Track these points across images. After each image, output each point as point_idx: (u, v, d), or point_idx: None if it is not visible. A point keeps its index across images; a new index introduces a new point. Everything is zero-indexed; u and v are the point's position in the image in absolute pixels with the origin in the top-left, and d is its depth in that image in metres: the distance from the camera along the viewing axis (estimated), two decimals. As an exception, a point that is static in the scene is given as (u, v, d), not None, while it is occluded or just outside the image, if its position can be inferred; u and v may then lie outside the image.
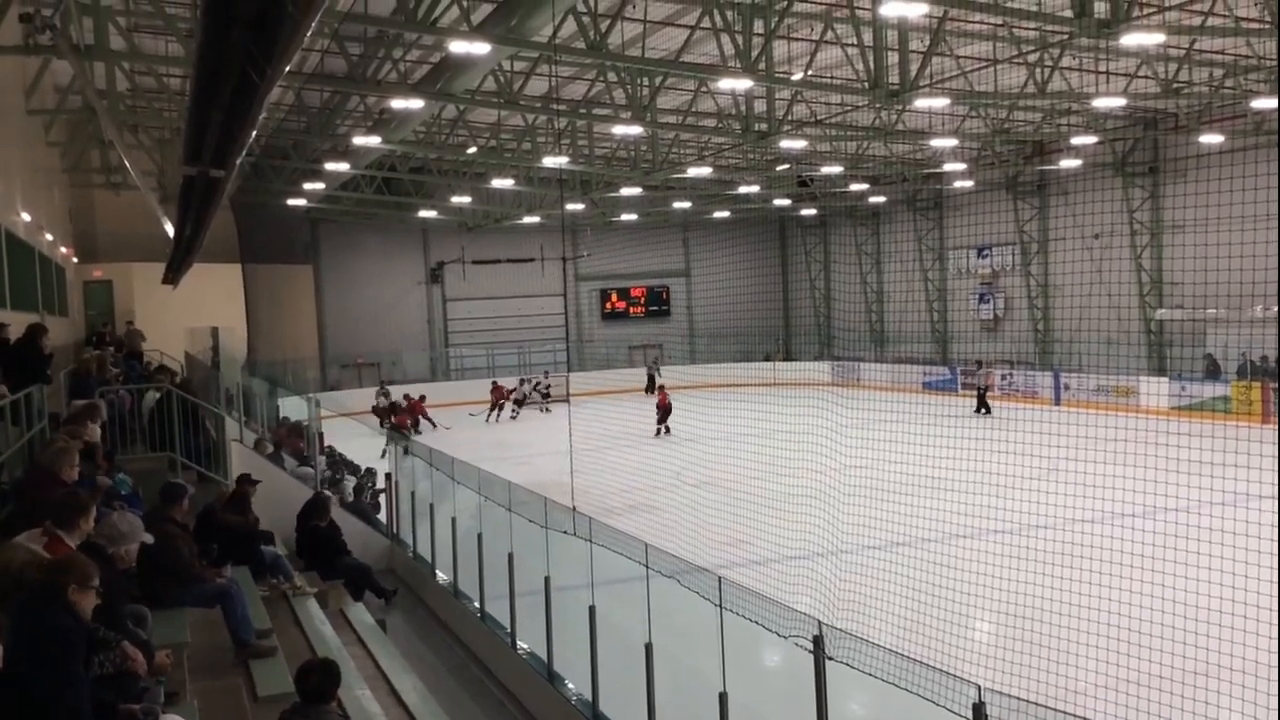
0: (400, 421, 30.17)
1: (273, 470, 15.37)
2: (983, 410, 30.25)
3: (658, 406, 29.83)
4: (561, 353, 41.86)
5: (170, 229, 20.42)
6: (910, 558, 12.72)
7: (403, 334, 42.24)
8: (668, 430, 28.88)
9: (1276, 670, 8.43)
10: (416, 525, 15.06)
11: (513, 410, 35.50)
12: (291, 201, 34.04)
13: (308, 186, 31.53)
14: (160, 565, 7.91)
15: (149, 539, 6.98)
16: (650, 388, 38.68)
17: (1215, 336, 28.53)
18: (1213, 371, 28.39)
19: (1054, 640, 9.19)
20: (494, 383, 36.96)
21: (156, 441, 13.01)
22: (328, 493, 14.20)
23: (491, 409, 35.40)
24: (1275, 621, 8.95)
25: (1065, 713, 4.42)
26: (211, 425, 14.24)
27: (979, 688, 4.74)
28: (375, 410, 32.84)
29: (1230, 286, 22.78)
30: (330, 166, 28.05)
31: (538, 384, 37.22)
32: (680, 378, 38.16)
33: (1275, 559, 10.05)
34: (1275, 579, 9.54)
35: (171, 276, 27.68)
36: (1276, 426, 24.01)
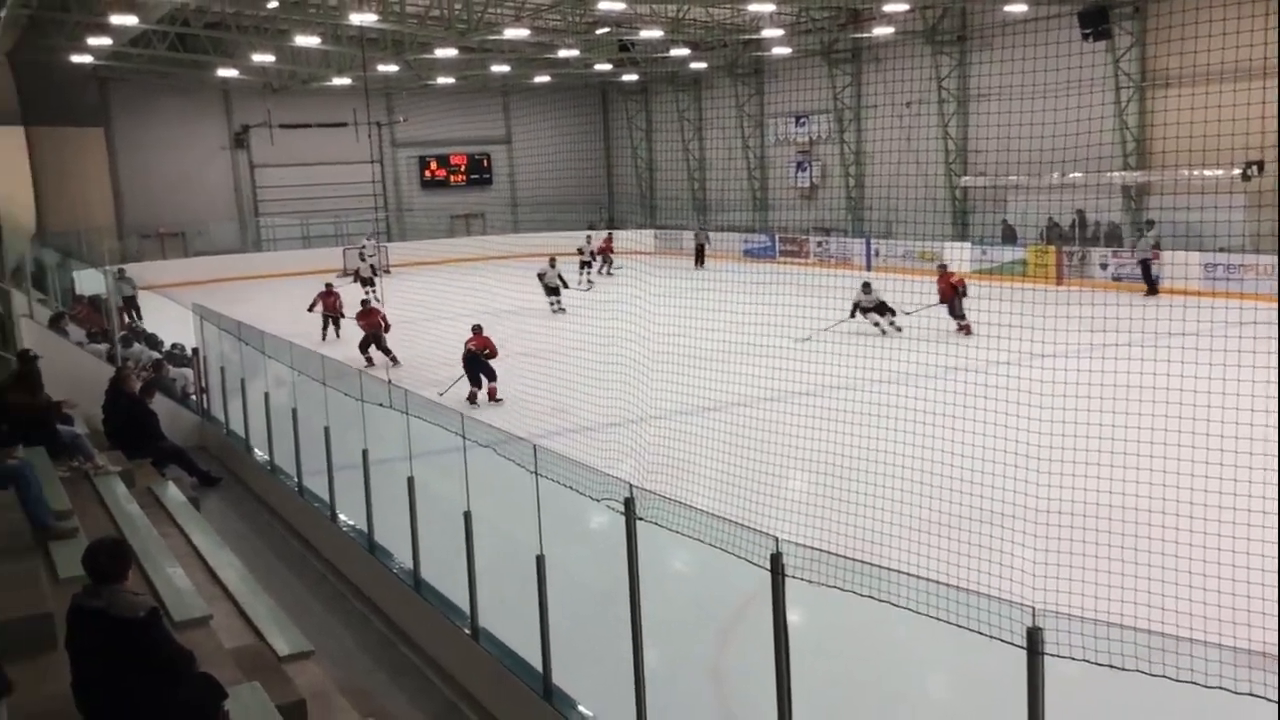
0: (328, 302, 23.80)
1: (69, 348, 14.64)
2: (1152, 292, 24.56)
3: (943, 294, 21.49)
4: (381, 223, 40.72)
5: (-63, 87, 18.70)
6: (721, 422, 13.15)
7: (208, 203, 40.15)
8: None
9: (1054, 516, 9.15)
10: (228, 402, 14.65)
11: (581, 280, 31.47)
12: (76, 58, 31.50)
13: (92, 42, 29.16)
14: (-58, 449, 7.49)
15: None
16: (700, 259, 36.47)
17: (1015, 203, 29.97)
18: (1009, 237, 29.91)
19: (853, 494, 9.72)
20: (609, 235, 36.17)
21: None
22: (129, 365, 13.59)
23: (603, 261, 34.05)
24: (1045, 470, 9.71)
25: (855, 559, 4.70)
26: (-4, 301, 13.38)
27: (776, 540, 4.98)
28: (358, 275, 29.62)
29: (1030, 154, 23.86)
30: (116, 20, 25.97)
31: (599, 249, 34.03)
32: (502, 247, 37.82)
33: (1036, 413, 10.84)
34: (1036, 430, 10.30)
35: (-57, 140, 25.46)
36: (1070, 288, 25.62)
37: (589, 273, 32.06)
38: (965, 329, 20.45)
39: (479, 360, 17.02)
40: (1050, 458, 9.94)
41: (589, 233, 36.18)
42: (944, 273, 22.02)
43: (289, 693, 6.31)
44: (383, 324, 20.54)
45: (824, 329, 18.16)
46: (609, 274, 33.41)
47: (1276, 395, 3.90)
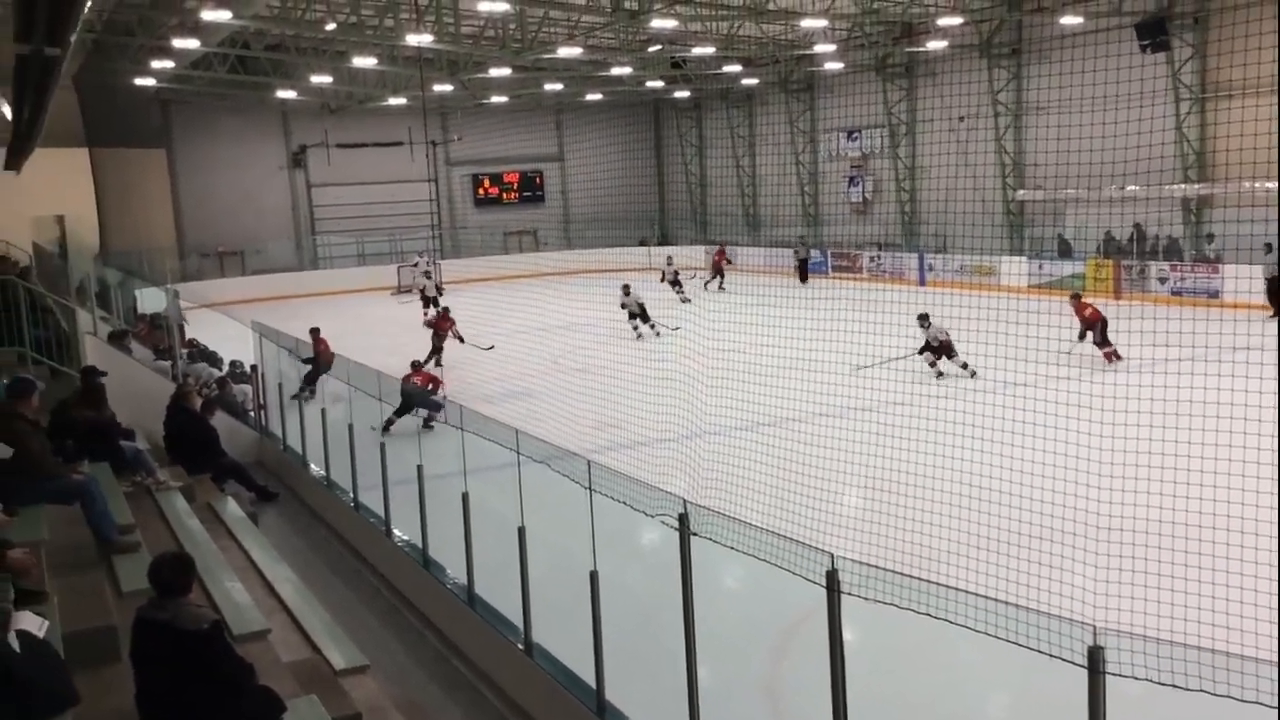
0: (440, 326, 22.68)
1: (131, 364, 14.92)
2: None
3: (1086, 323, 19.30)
4: (435, 240, 41.10)
5: (8, 111, 19.21)
6: (775, 437, 13.08)
7: (266, 222, 40.77)
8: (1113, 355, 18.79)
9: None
10: (286, 418, 14.85)
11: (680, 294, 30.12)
12: (139, 81, 32.22)
13: (156, 65, 29.82)
14: (11, 462, 7.66)
15: (4, 452, 6.72)
16: (804, 275, 35.26)
17: (1073, 216, 29.58)
18: (1065, 251, 29.53)
19: (909, 510, 9.62)
20: (721, 248, 35.62)
21: (3, 336, 12.43)
22: (190, 382, 13.83)
23: (715, 275, 33.85)
24: (1105, 487, 9.55)
25: (912, 576, 4.66)
26: (62, 318, 13.66)
27: (832, 556, 4.94)
28: (423, 294, 29.34)
29: (1087, 167, 23.58)
30: (178, 43, 26.53)
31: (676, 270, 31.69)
32: (555, 264, 38.05)
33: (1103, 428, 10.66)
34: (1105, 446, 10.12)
35: (13, 162, 26.13)
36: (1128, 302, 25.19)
37: (681, 291, 30.47)
38: (1113, 355, 18.66)
39: (423, 396, 15.31)
40: (1111, 474, 9.78)
41: (668, 254, 34.64)
42: (1079, 302, 19.76)
43: (345, 706, 6.38)
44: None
45: (882, 362, 17.32)
46: (721, 289, 32.95)
47: (1277, 407, 3.86)
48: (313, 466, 13.46)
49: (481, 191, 44.74)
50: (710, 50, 32.60)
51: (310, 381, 17.35)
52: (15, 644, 4.42)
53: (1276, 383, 3.77)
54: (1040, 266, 29.12)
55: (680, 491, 7.11)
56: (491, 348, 21.82)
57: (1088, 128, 23.36)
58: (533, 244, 44.19)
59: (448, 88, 35.06)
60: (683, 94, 42.22)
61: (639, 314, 25.05)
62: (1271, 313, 22.94)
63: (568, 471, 7.35)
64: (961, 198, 29.64)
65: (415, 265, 37.57)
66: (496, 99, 39.31)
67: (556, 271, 37.24)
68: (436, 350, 22.08)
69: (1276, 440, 4.35)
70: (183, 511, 9.67)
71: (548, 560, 8.17)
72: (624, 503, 6.57)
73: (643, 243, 42.54)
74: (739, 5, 27.22)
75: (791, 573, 5.07)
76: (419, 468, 9.86)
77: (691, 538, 5.98)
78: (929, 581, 4.65)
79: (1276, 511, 4.02)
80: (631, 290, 25.35)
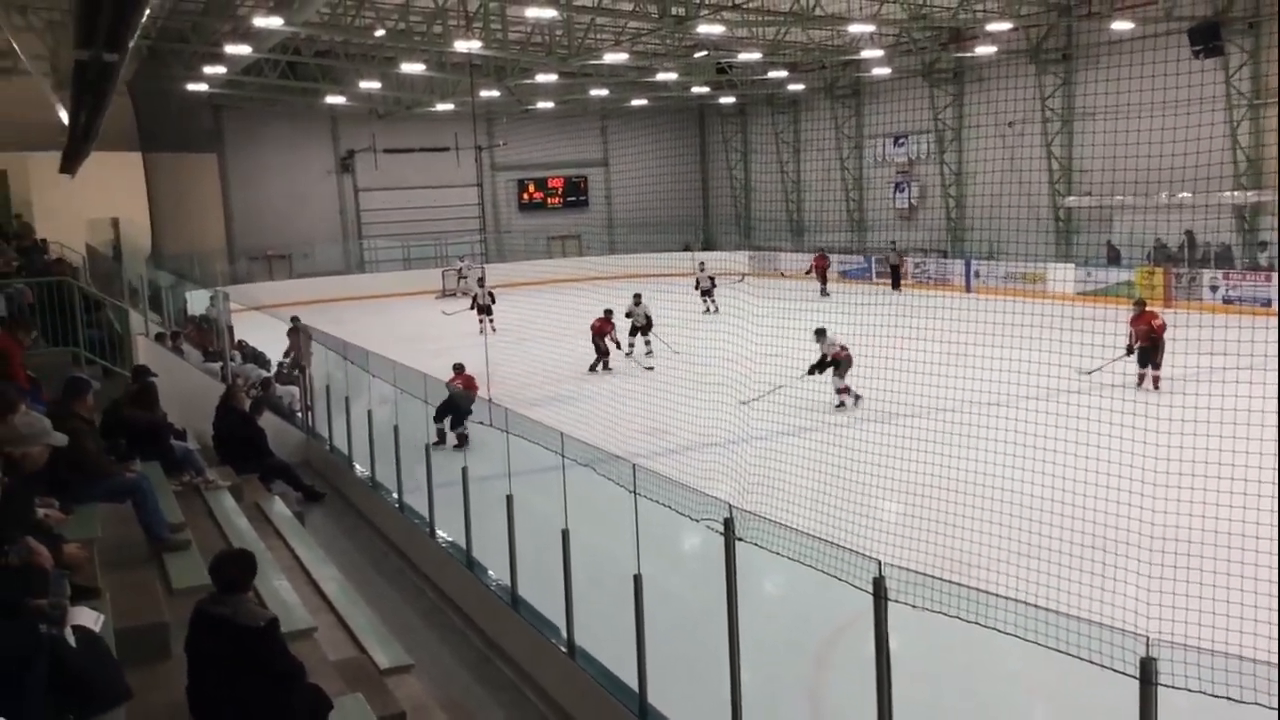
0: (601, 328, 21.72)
1: (181, 365, 15.14)
2: None
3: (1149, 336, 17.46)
4: (481, 244, 41.36)
5: (65, 115, 19.58)
6: (820, 442, 13.02)
7: (314, 226, 41.21)
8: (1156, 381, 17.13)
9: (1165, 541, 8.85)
10: (332, 419, 14.99)
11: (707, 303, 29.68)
12: (192, 87, 32.74)
13: (208, 71, 30.31)
14: (67, 460, 7.77)
15: (60, 440, 6.82)
16: (896, 281, 34.26)
17: (1121, 224, 29.19)
18: (1114, 258, 29.14)
19: (955, 517, 9.52)
20: (821, 252, 35.24)
21: (58, 335, 12.66)
22: (239, 383, 14.00)
23: (823, 280, 33.62)
24: (1158, 496, 9.40)
25: (957, 583, 4.61)
26: (115, 319, 13.88)
27: (879, 563, 4.91)
28: (475, 298, 28.83)
29: (1138, 173, 23.25)
30: (231, 49, 26.96)
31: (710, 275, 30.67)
32: (599, 269, 38.04)
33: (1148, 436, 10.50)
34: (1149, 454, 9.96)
35: (69, 165, 26.63)
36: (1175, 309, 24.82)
37: (711, 302, 29.64)
38: (1156, 380, 17.10)
39: (465, 400, 14.33)
40: (1166, 483, 9.62)
41: (700, 259, 33.93)
42: (1144, 312, 17.86)
43: (390, 705, 6.42)
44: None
45: (771, 390, 15.90)
46: (825, 294, 32.48)
47: (1277, 409, 3.78)
48: (358, 467, 13.57)
49: (526, 196, 44.94)
50: (756, 56, 32.56)
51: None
52: (71, 639, 4.49)
53: (1277, 385, 3.72)
54: (1089, 274, 28.76)
55: (725, 496, 7.09)
56: (651, 369, 21.23)
57: (1139, 133, 23.03)
58: (576, 249, 44.30)
59: (494, 93, 35.26)
60: (728, 99, 42.17)
61: (642, 327, 23.46)
62: None
63: (612, 475, 7.36)
64: (1009, 204, 29.29)
65: (458, 270, 37.89)
66: (542, 104, 39.49)
67: (601, 276, 37.25)
68: (604, 353, 21.59)
69: (1277, 444, 4.30)
70: (231, 511, 9.78)
71: (591, 563, 8.18)
72: (668, 506, 6.57)
73: (686, 248, 42.52)
74: (786, 11, 27.15)
75: (838, 579, 5.05)
76: (464, 470, 9.92)
77: (736, 542, 5.97)
78: (977, 589, 4.61)
79: (1277, 513, 3.97)
80: (642, 301, 23.54)
